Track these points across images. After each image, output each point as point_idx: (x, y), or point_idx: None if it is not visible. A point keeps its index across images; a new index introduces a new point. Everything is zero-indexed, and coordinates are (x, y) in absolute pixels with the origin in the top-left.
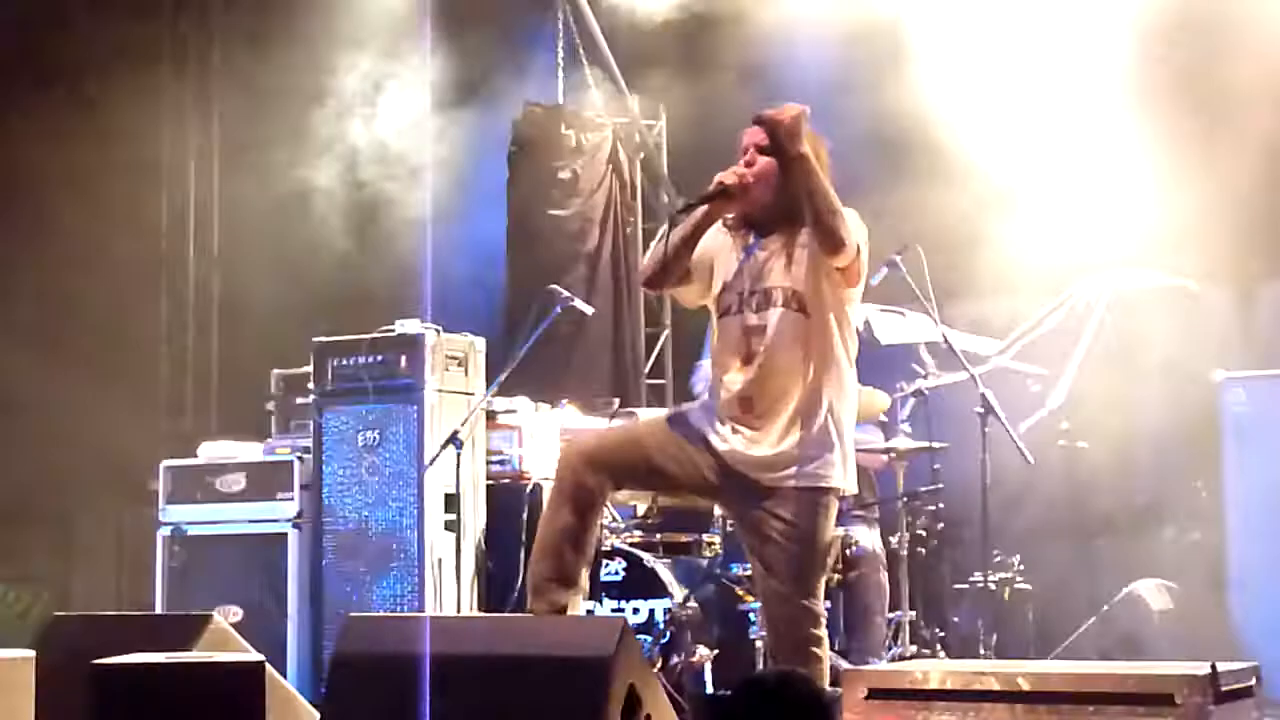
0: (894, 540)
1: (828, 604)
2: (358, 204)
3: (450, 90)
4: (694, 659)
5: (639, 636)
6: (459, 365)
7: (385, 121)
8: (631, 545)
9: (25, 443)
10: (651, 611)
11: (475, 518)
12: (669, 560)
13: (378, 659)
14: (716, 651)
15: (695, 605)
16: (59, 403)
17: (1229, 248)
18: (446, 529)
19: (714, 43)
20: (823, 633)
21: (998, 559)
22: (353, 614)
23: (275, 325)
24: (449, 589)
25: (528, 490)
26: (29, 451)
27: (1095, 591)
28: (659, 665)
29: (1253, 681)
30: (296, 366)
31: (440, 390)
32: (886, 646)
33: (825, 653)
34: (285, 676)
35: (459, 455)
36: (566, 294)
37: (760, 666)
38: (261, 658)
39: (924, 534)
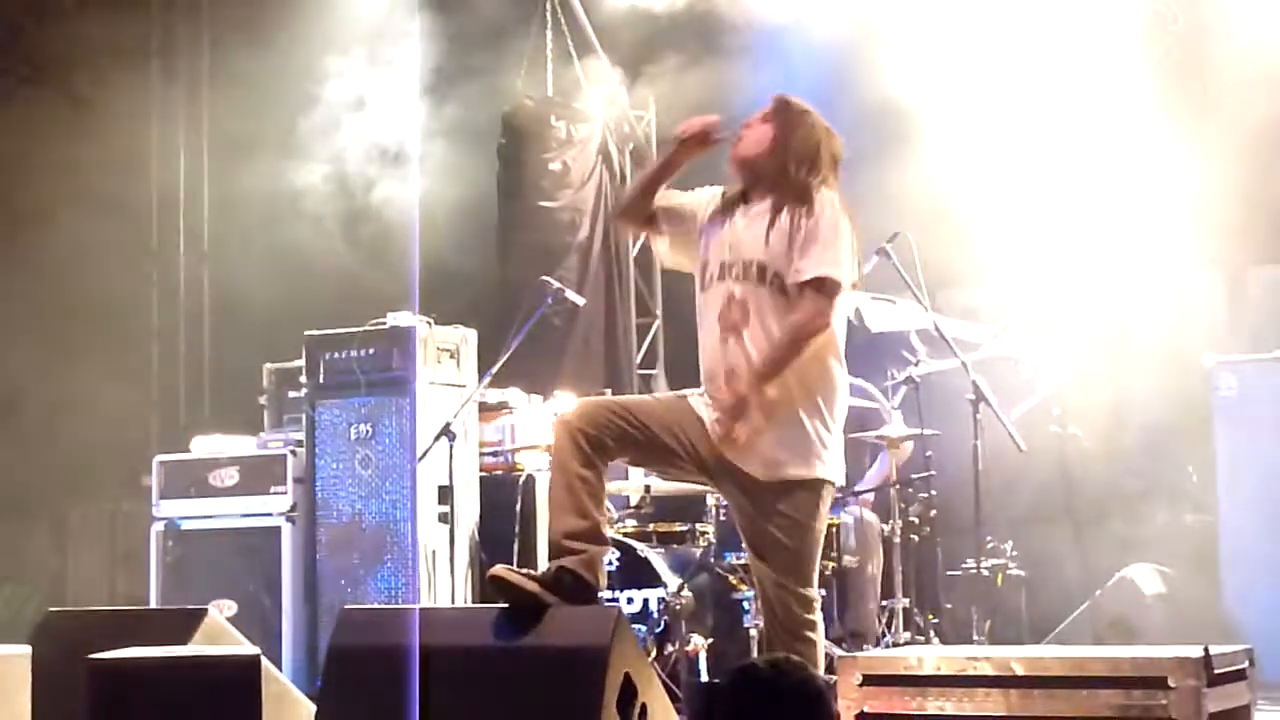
0: (887, 527)
1: (822, 591)
2: (348, 197)
3: (439, 83)
4: (689, 648)
5: (634, 626)
6: (451, 357)
7: (375, 115)
8: (625, 535)
9: (18, 439)
10: (646, 601)
11: (469, 509)
12: (663, 550)
13: (373, 651)
14: (711, 640)
15: (689, 594)
16: (52, 399)
17: (1218, 232)
18: (440, 521)
19: (703, 33)
20: (818, 619)
21: (990, 545)
22: (348, 606)
23: (267, 319)
24: (443, 581)
25: (521, 481)
26: (22, 447)
27: (1088, 576)
28: (654, 654)
29: (1246, 664)
30: (288, 360)
31: (432, 383)
32: (880, 633)
33: (820, 639)
34: (280, 670)
35: (452, 447)
36: (557, 285)
37: (755, 654)
38: (257, 651)
39: (917, 521)
